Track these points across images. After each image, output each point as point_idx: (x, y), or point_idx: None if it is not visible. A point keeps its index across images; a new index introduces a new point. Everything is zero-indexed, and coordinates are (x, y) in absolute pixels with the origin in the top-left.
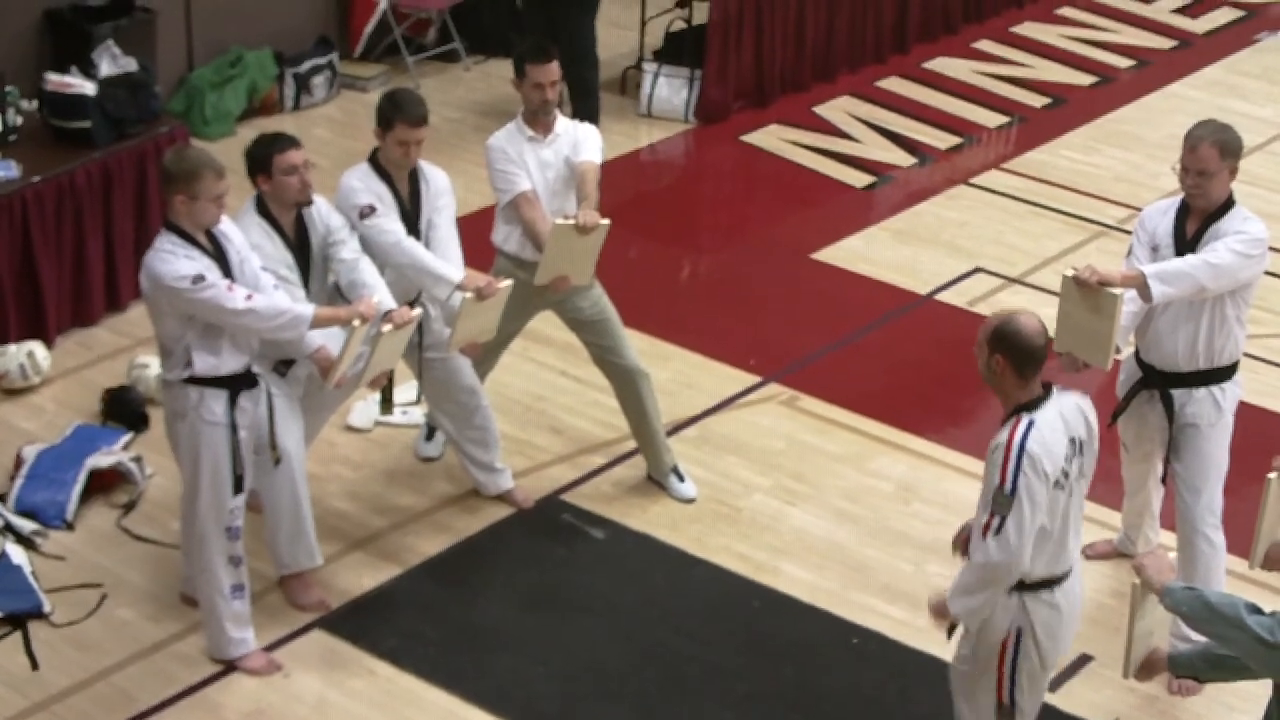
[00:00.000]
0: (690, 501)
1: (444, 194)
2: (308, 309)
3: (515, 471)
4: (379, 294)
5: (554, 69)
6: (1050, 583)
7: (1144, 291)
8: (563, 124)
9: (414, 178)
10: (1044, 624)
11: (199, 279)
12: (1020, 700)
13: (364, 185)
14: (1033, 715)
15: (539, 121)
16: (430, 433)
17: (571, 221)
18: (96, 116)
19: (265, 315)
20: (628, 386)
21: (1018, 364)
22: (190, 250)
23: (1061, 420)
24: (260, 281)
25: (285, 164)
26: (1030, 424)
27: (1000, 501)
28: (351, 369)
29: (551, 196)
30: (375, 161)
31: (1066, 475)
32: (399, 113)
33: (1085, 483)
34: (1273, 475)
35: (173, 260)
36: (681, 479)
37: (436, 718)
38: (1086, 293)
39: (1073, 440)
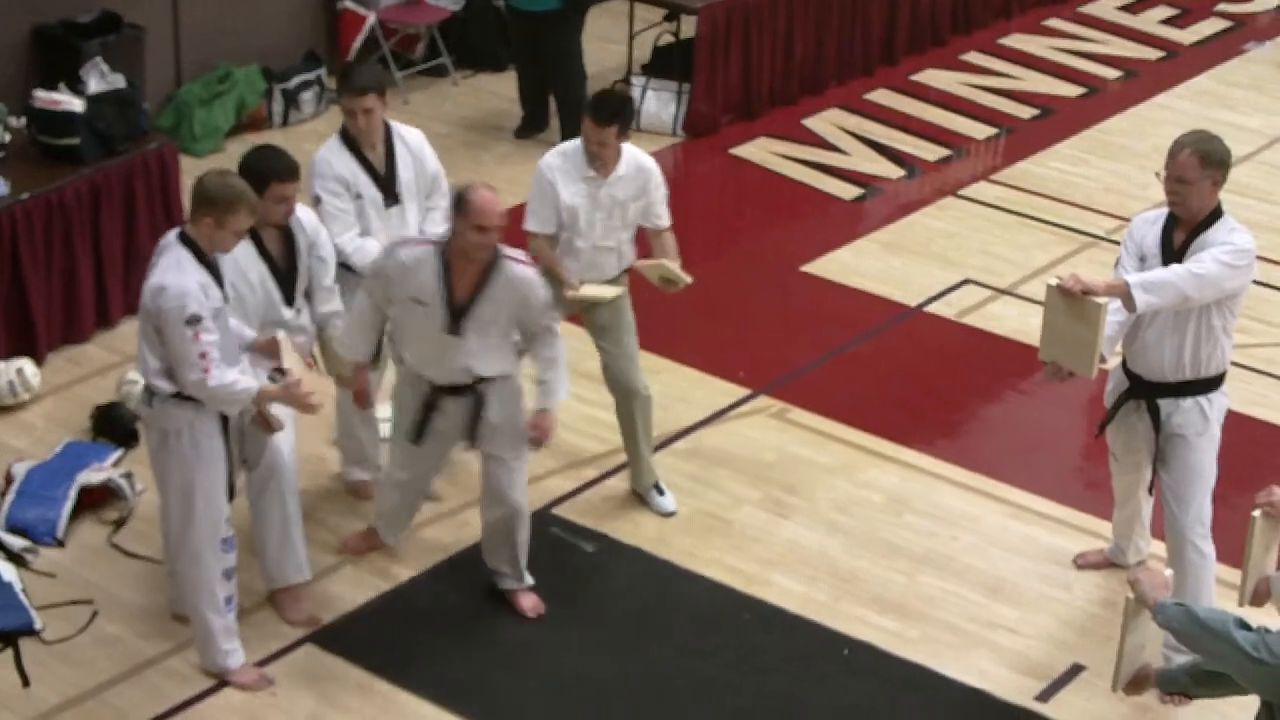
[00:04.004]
0: (670, 515)
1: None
2: (253, 386)
3: None
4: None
5: (609, 132)
6: None
7: (1128, 301)
8: (629, 165)
9: (389, 141)
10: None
11: (195, 319)
12: None
13: (337, 159)
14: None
15: (595, 166)
16: None
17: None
18: (85, 133)
19: (211, 391)
20: (624, 403)
21: None
22: (200, 271)
23: None
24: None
25: (278, 194)
26: None
27: None
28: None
29: (593, 228)
30: (345, 134)
31: None
32: (341, 84)
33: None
34: (1257, 513)
35: (184, 280)
36: (662, 493)
37: None
38: (1071, 301)
39: None
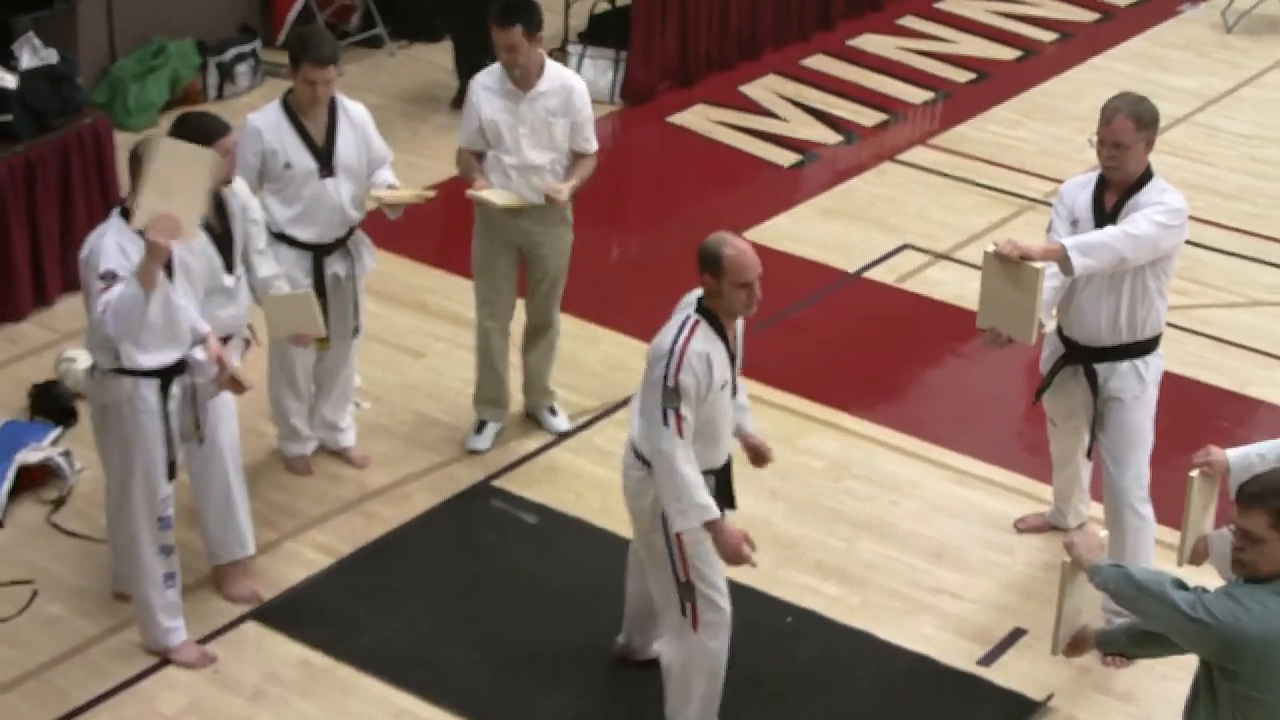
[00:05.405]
0: (561, 434)
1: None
2: (137, 293)
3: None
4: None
5: (514, 34)
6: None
7: (1065, 264)
8: (552, 80)
9: (332, 113)
10: None
11: (109, 275)
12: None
13: (269, 129)
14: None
15: (514, 78)
16: (480, 426)
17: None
18: (18, 109)
19: (102, 317)
20: (535, 334)
21: None
22: (125, 235)
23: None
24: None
25: (225, 147)
26: None
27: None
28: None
29: (519, 144)
30: (286, 102)
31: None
32: (305, 52)
33: None
34: (1194, 473)
35: (102, 240)
36: (554, 414)
37: (372, 707)
38: (1008, 267)
39: None
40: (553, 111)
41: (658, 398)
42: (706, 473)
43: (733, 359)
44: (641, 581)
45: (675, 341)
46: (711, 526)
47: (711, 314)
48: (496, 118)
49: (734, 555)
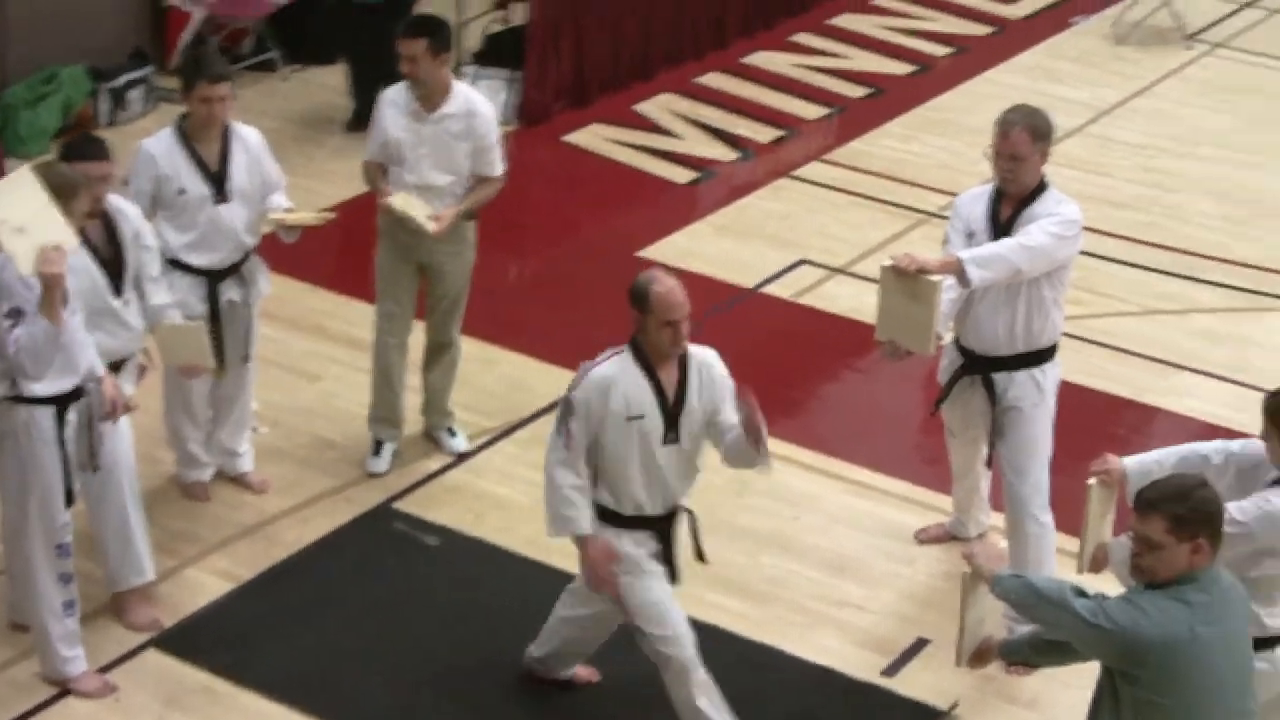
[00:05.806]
0: (461, 454)
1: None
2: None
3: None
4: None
5: (415, 44)
6: None
7: (961, 277)
8: (459, 104)
9: (226, 138)
10: None
11: (15, 312)
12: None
13: (163, 154)
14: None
15: (418, 96)
16: (378, 447)
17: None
18: None
19: (23, 346)
20: (436, 353)
21: None
22: None
23: None
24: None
25: (97, 173)
26: None
27: None
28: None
29: (419, 164)
30: (180, 127)
31: None
32: (198, 71)
33: None
34: (1092, 481)
35: (6, 279)
36: (454, 434)
37: None
38: (905, 280)
39: None
40: (455, 135)
41: (559, 412)
42: (613, 516)
43: (666, 399)
44: (573, 607)
45: (589, 366)
46: (578, 542)
47: (641, 349)
48: (400, 135)
49: (592, 575)
